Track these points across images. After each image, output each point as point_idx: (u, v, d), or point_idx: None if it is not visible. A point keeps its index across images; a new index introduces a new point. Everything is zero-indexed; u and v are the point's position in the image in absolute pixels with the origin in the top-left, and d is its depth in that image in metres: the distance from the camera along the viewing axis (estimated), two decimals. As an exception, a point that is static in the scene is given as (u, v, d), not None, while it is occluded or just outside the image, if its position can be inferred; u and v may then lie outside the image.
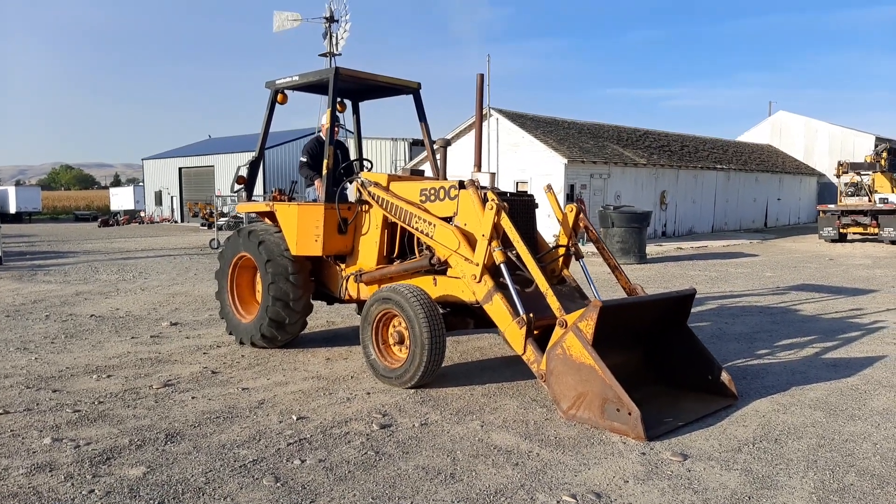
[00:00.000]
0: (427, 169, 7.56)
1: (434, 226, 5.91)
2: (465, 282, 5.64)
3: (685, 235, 26.54)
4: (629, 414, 4.46)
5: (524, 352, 5.10)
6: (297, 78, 7.33)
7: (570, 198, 21.20)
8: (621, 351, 5.28)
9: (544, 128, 23.55)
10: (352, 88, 7.77)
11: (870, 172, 23.54)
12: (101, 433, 4.58)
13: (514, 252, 5.44)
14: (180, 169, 49.79)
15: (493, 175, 6.32)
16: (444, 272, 6.05)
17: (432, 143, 7.85)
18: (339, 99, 7.94)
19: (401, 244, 6.59)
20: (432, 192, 6.18)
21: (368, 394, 5.51)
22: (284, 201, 7.24)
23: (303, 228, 6.71)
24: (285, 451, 4.28)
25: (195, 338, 7.77)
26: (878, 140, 36.96)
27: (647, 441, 4.42)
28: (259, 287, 7.47)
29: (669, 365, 5.56)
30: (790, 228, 33.02)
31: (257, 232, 7.08)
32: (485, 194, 5.65)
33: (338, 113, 7.67)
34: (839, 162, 24.45)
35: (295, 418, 4.88)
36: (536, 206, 6.38)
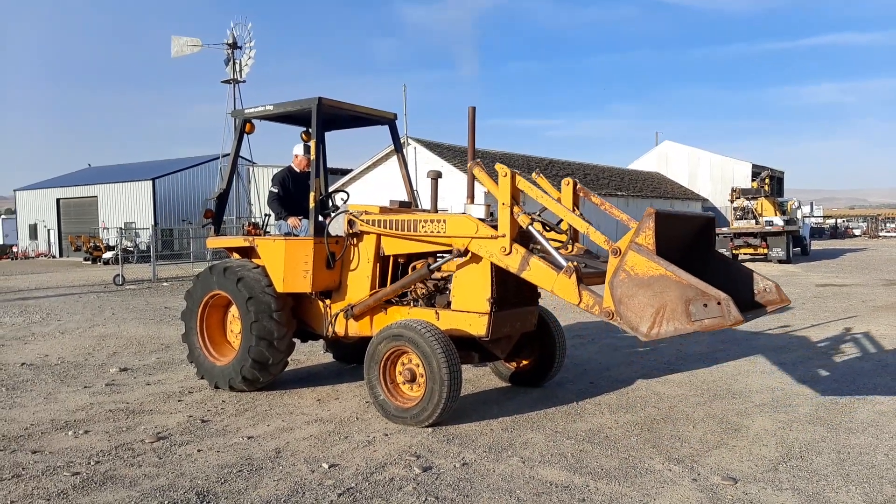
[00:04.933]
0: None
1: (444, 222, 5.85)
2: (495, 258, 5.49)
3: (592, 259, 27.51)
4: (718, 304, 4.23)
5: (580, 300, 5.01)
6: (271, 107, 7.04)
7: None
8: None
9: (461, 157, 23.85)
10: (324, 119, 7.53)
11: (757, 197, 25.48)
12: (120, 497, 4.12)
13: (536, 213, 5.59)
14: (58, 200, 46.64)
15: (487, 207, 6.31)
16: (447, 305, 5.97)
17: (409, 172, 7.77)
18: (305, 129, 7.72)
19: (393, 277, 6.43)
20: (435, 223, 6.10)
21: (386, 435, 5.29)
22: (262, 236, 6.92)
23: (290, 264, 6.40)
24: (339, 503, 4.02)
25: (157, 384, 7.19)
26: (755, 167, 40.18)
27: (744, 322, 4.26)
28: (232, 326, 7.06)
29: (711, 282, 4.64)
30: (682, 250, 35.07)
31: (234, 268, 6.68)
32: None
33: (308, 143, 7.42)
34: (732, 188, 26.35)
35: (326, 466, 4.60)
36: None
